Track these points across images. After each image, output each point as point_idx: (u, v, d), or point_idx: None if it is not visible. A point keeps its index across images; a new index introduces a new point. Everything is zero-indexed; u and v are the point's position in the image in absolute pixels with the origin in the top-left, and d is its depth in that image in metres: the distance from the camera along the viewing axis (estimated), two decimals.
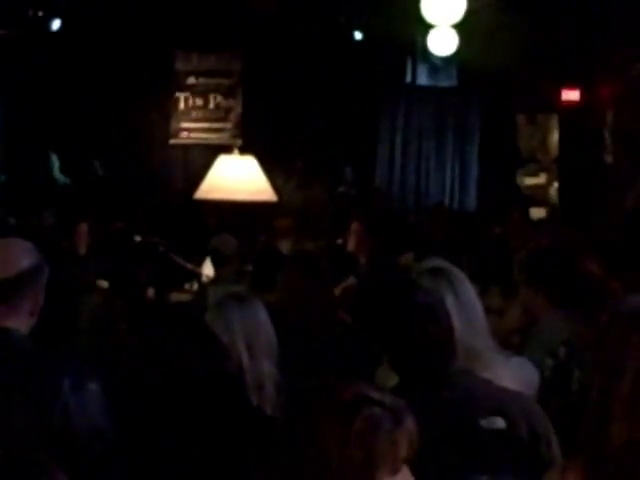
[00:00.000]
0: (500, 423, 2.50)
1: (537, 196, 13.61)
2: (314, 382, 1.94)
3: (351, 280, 6.03)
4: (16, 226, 9.34)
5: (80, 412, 2.57)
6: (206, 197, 9.33)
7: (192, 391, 3.06)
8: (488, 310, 2.97)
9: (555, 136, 13.78)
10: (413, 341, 2.56)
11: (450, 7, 8.97)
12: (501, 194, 12.61)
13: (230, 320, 3.25)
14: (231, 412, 3.04)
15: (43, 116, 12.60)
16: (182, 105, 13.65)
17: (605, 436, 1.81)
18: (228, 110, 13.65)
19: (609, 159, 11.71)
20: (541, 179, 14.35)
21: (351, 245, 7.87)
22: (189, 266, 7.67)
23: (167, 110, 13.59)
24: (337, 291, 5.40)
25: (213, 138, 13.48)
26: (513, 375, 2.90)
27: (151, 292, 6.43)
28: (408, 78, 13.02)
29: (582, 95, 12.27)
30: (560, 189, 13.35)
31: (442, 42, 10.15)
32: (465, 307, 2.67)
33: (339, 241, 8.47)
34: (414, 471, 1.89)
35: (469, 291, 2.74)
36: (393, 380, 2.62)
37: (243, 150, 9.89)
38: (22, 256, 2.70)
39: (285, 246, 7.47)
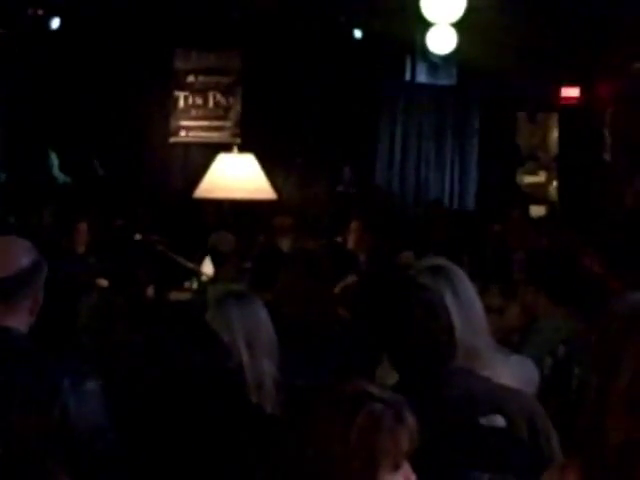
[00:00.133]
0: (500, 421, 2.50)
1: (537, 194, 13.62)
2: (315, 381, 1.94)
3: (351, 278, 6.04)
4: (16, 225, 9.34)
5: (80, 411, 2.57)
6: (206, 196, 9.33)
7: (192, 390, 3.06)
8: (488, 309, 2.97)
9: (555, 134, 13.78)
10: (413, 339, 2.56)
11: (449, 5, 8.97)
12: (501, 192, 12.61)
13: (230, 318, 3.25)
14: (231, 410, 3.04)
15: (42, 115, 12.59)
16: (181, 103, 13.64)
17: (603, 435, 1.81)
18: (227, 108, 13.64)
19: (608, 157, 11.71)
20: (541, 177, 14.36)
21: (351, 243, 7.88)
22: (189, 265, 7.67)
23: (166, 108, 13.58)
24: (337, 289, 5.40)
25: (213, 136, 13.47)
26: (512, 373, 2.90)
27: (151, 291, 6.43)
28: (407, 76, 13.01)
29: (582, 93, 12.27)
30: (560, 187, 13.36)
31: (441, 40, 10.15)
32: (464, 305, 2.67)
33: (339, 239, 8.48)
34: (414, 469, 1.90)
35: (468, 289, 2.74)
36: (393, 378, 2.62)
37: (242, 148, 9.89)
38: (21, 255, 2.70)
39: (285, 244, 7.47)
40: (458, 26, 9.70)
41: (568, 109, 12.53)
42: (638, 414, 1.79)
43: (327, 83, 12.70)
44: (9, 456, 2.50)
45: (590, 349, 1.93)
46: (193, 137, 13.66)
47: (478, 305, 2.74)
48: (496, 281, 4.85)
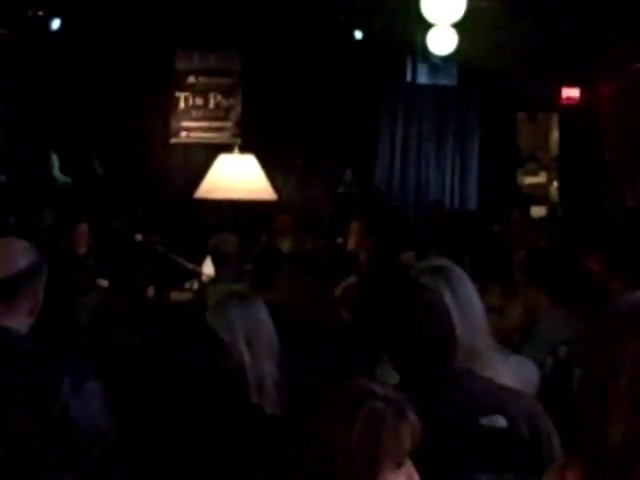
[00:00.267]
0: (501, 422, 2.50)
1: (537, 195, 13.62)
2: (316, 380, 1.94)
3: (351, 279, 6.04)
4: (16, 225, 9.34)
5: (80, 412, 2.57)
6: (206, 196, 9.32)
7: (193, 390, 3.06)
8: (489, 309, 2.97)
9: (555, 135, 13.79)
10: (413, 339, 2.56)
11: (450, 6, 8.96)
12: (501, 193, 12.61)
13: (231, 319, 3.25)
14: (231, 410, 3.04)
15: (43, 115, 12.58)
16: (182, 104, 13.64)
17: (603, 435, 1.81)
18: (228, 109, 13.64)
19: (608, 157, 11.71)
20: (541, 178, 14.36)
21: (351, 244, 7.88)
22: (189, 265, 7.67)
23: (167, 109, 13.58)
24: (337, 290, 5.40)
25: (213, 137, 13.47)
26: (513, 374, 2.90)
27: (151, 291, 6.44)
28: (408, 77, 13.01)
29: (582, 94, 12.27)
30: (560, 188, 13.36)
31: (442, 41, 10.15)
32: (463, 305, 2.67)
33: (339, 240, 8.48)
34: (415, 469, 1.89)
35: (468, 289, 2.74)
36: (394, 379, 2.62)
37: (243, 149, 9.88)
38: (21, 256, 2.70)
39: (285, 245, 7.48)
40: (458, 27, 9.70)
41: (568, 109, 12.53)
42: (638, 414, 1.79)
43: (327, 84, 12.70)
44: (9, 456, 2.50)
45: (590, 349, 1.93)
46: (194, 138, 13.66)
47: (478, 305, 2.74)
48: (497, 281, 4.85)
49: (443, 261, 2.84)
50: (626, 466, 1.79)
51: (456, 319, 2.59)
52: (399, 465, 1.85)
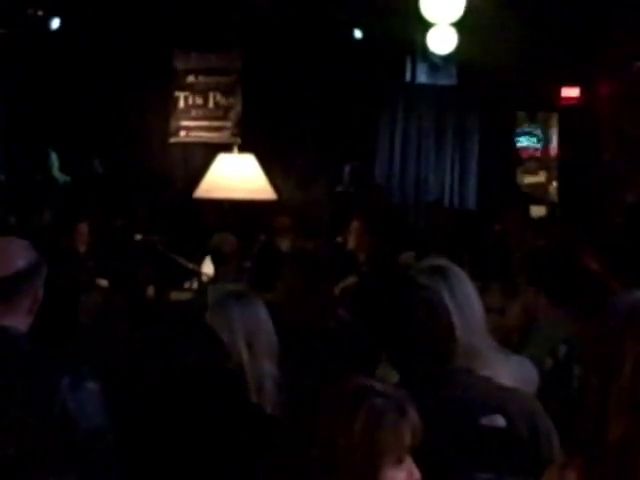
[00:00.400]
0: (500, 421, 2.50)
1: (537, 194, 13.61)
2: (315, 380, 1.95)
3: (351, 278, 6.04)
4: (16, 225, 9.34)
5: (79, 411, 2.57)
6: (206, 196, 9.32)
7: (192, 390, 3.06)
8: (488, 309, 2.97)
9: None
10: (413, 339, 2.56)
11: (449, 5, 8.96)
12: (501, 192, 12.60)
13: (230, 318, 3.25)
14: (231, 410, 3.04)
15: (42, 115, 12.59)
16: (181, 104, 13.64)
17: (603, 434, 1.81)
18: (227, 109, 13.64)
19: (608, 157, 11.71)
20: (541, 177, 14.36)
21: (351, 243, 7.88)
22: (189, 265, 7.67)
23: (166, 109, 13.58)
24: (337, 289, 5.40)
25: (213, 137, 13.48)
26: (512, 373, 2.89)
27: (151, 291, 6.43)
28: (408, 77, 13.02)
29: (582, 93, 12.26)
30: (560, 187, 13.36)
31: (441, 40, 10.15)
32: (462, 305, 2.67)
33: (339, 239, 8.48)
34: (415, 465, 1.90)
35: (466, 289, 2.73)
36: (393, 378, 2.62)
37: (242, 149, 9.89)
38: (19, 255, 2.70)
39: (285, 244, 7.47)
40: (458, 26, 9.70)
41: (568, 109, 12.53)
42: (638, 413, 1.79)
43: (327, 83, 12.70)
44: (9, 456, 2.50)
45: (590, 348, 1.93)
46: (193, 137, 13.66)
47: (477, 305, 2.73)
48: (497, 281, 4.85)
49: (442, 260, 2.84)
50: (626, 465, 1.79)
51: (455, 319, 2.59)
52: (400, 461, 1.86)
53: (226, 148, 10.07)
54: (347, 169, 12.91)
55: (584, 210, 11.15)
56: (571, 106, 12.40)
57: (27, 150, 12.68)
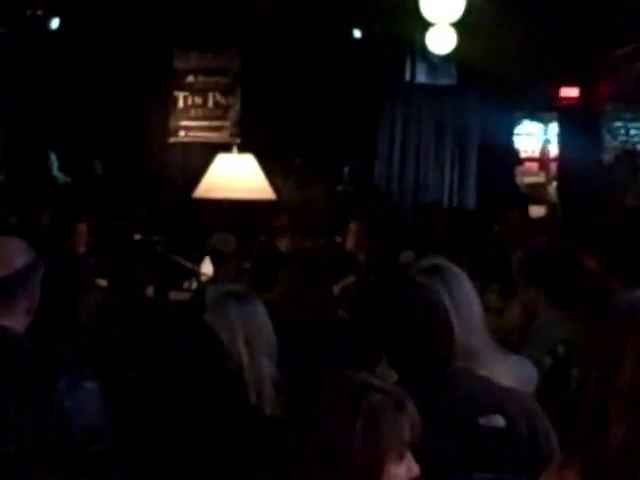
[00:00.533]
0: (499, 421, 2.50)
1: (536, 194, 13.61)
2: (315, 377, 1.94)
3: (350, 278, 6.04)
4: (16, 225, 9.33)
5: (77, 412, 2.57)
6: (205, 196, 9.31)
7: (191, 390, 3.06)
8: (487, 309, 2.97)
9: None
10: (412, 339, 2.56)
11: (449, 5, 8.96)
12: (500, 192, 12.60)
13: (230, 318, 3.25)
14: (230, 411, 3.04)
15: (42, 115, 12.59)
16: (181, 103, 13.64)
17: (602, 434, 1.81)
18: (227, 108, 13.64)
19: (608, 157, 11.71)
20: (540, 177, 14.35)
21: (350, 243, 7.87)
22: (188, 265, 7.67)
23: (166, 109, 13.58)
24: (336, 289, 5.40)
25: (212, 136, 13.47)
26: (511, 373, 2.90)
27: (150, 291, 6.42)
28: (407, 76, 13.01)
29: (581, 93, 12.26)
30: (559, 187, 13.35)
31: (441, 40, 10.14)
32: (460, 305, 2.67)
33: (338, 239, 8.47)
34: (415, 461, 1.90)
35: (465, 289, 2.73)
36: (392, 378, 2.62)
37: (242, 148, 9.87)
38: (17, 255, 2.70)
39: (284, 244, 7.47)
40: (458, 26, 9.70)
41: (568, 109, 12.53)
42: (638, 413, 1.79)
43: (326, 83, 12.70)
44: (9, 456, 2.50)
45: (589, 348, 1.93)
46: (192, 137, 13.66)
47: (475, 305, 2.74)
48: (496, 281, 4.85)
49: (440, 261, 2.84)
50: (626, 465, 1.79)
51: (453, 318, 2.59)
52: (401, 457, 1.86)
53: (225, 148, 10.06)
54: (346, 169, 12.91)
55: (584, 210, 11.15)
56: (571, 106, 12.40)
57: (27, 150, 12.67)
